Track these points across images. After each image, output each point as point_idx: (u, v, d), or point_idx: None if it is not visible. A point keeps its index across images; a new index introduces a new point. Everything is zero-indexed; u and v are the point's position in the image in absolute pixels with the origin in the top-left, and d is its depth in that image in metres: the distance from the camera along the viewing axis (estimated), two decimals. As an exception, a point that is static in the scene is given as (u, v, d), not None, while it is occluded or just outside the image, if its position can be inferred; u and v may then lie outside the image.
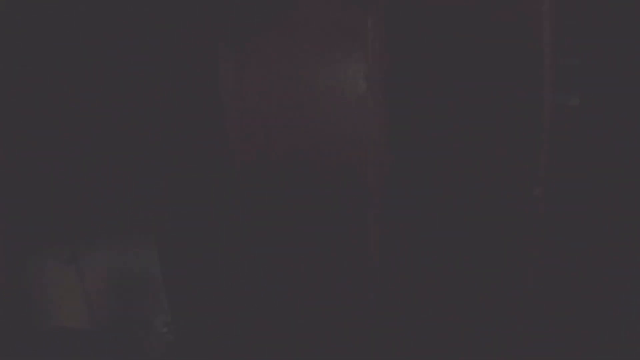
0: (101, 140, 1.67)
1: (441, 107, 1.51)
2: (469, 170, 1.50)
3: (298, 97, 1.50)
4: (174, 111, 1.66)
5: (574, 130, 1.52)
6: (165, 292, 1.71)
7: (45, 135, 1.64)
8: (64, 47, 1.62)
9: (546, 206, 1.42)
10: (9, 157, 1.62)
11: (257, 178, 1.59)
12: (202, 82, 1.62)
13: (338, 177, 1.54)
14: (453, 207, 1.52)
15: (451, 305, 1.57)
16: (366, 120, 1.46)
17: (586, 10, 1.58)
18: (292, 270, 1.62)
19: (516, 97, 1.45)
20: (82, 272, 1.59)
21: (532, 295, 1.47)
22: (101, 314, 1.60)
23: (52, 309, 1.60)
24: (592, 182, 1.52)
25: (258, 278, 1.65)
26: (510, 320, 1.51)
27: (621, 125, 1.50)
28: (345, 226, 1.55)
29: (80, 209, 1.64)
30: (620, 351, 1.47)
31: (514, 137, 1.45)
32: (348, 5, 1.43)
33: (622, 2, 1.53)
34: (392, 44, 1.51)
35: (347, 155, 1.51)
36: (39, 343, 1.58)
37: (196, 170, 1.69)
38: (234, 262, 1.71)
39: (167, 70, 1.64)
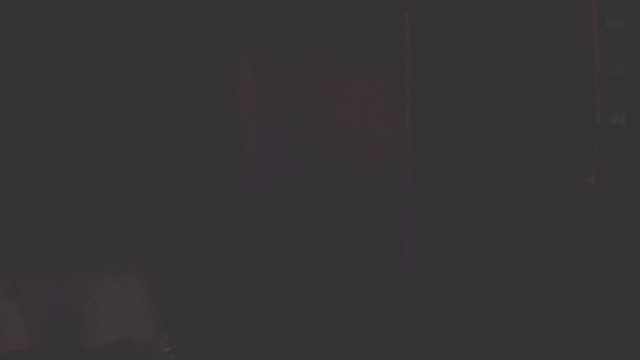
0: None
1: (491, 96, 1.40)
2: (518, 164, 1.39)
3: (322, 106, 1.39)
4: (181, 115, 1.55)
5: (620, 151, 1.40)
6: (168, 311, 1.61)
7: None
8: (75, 46, 1.49)
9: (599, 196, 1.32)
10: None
11: (275, 187, 1.49)
12: (218, 88, 1.51)
13: (367, 182, 1.44)
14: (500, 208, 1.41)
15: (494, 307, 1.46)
16: (400, 123, 1.35)
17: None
18: (313, 284, 1.53)
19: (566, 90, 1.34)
20: (24, 305, 1.46)
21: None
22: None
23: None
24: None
25: (272, 293, 1.55)
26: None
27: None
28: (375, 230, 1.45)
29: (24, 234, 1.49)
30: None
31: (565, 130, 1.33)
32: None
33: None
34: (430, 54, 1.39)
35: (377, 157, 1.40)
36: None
37: (203, 181, 1.59)
38: (242, 278, 1.62)
39: (184, 73, 1.53)
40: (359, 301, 1.50)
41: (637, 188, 1.38)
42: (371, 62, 1.37)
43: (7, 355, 1.47)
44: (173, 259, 1.62)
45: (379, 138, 1.38)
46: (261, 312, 1.53)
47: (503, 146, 1.43)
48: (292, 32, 1.39)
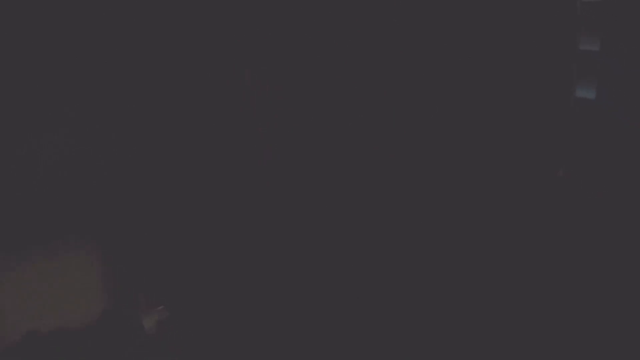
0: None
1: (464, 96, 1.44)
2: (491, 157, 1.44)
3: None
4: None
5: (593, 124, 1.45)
6: (159, 270, 1.66)
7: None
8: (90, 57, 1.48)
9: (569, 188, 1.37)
10: None
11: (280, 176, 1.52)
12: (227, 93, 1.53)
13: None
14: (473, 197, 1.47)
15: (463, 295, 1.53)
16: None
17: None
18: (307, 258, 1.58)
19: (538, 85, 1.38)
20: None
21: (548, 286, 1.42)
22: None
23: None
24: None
25: (264, 265, 1.61)
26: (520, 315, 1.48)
27: None
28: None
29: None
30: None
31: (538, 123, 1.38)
32: None
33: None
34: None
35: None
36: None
37: (196, 159, 1.61)
38: (234, 247, 1.66)
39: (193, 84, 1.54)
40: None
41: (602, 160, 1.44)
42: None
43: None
44: (176, 224, 1.66)
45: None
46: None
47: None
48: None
